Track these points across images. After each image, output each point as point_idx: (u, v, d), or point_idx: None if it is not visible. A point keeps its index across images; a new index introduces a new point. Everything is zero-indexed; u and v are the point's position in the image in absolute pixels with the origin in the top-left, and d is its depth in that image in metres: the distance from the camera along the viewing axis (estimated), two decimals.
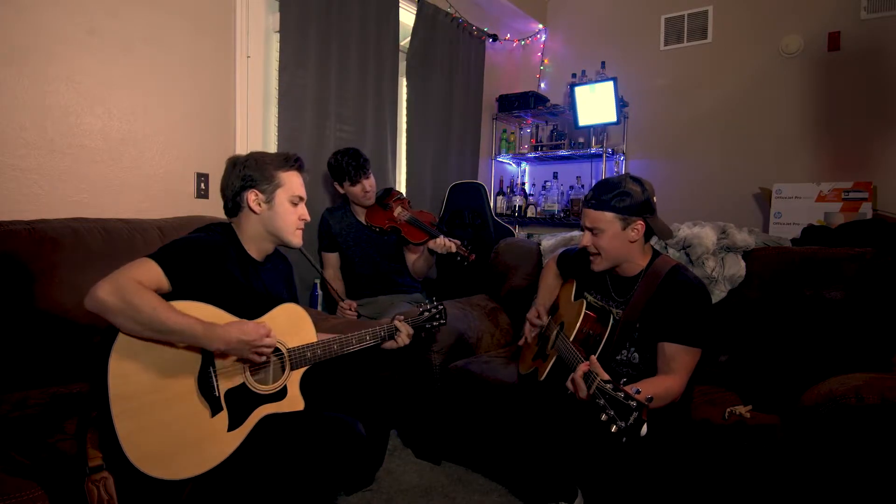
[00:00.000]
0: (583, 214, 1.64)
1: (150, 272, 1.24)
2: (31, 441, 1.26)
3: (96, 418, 1.19)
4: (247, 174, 1.44)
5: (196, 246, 1.35)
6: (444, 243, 2.26)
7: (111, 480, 1.15)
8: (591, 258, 1.64)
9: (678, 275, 1.57)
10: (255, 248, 1.49)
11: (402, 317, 1.69)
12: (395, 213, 2.44)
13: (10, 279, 1.54)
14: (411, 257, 2.53)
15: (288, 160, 1.48)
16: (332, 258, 2.57)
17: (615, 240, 1.58)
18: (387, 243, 2.51)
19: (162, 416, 1.22)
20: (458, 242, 2.27)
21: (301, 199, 1.49)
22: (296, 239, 1.49)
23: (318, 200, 2.68)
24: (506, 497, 1.92)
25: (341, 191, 2.48)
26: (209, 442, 1.27)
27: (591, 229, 1.60)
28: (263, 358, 1.34)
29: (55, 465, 1.20)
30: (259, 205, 1.44)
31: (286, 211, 1.46)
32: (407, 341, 1.67)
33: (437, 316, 1.79)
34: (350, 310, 2.41)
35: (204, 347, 1.27)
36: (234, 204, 1.46)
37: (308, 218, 1.52)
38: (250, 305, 1.39)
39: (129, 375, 1.20)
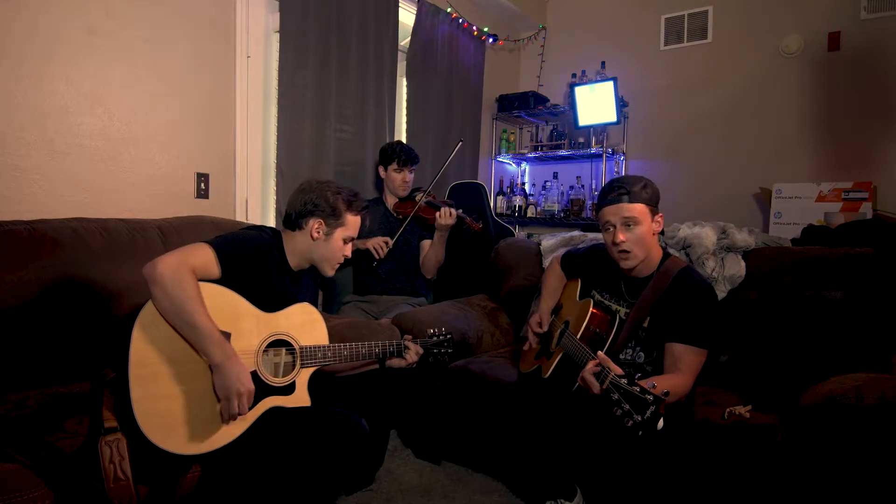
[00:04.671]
0: (611, 210, 1.59)
1: (207, 259, 1.34)
2: (32, 440, 1.26)
3: (112, 380, 1.25)
4: (320, 203, 1.52)
5: (251, 243, 1.45)
6: (448, 211, 2.38)
7: (124, 442, 1.19)
8: (623, 255, 1.59)
9: (688, 276, 1.58)
10: (295, 261, 1.57)
11: (410, 337, 1.71)
12: (416, 199, 2.56)
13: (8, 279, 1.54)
14: (424, 251, 2.59)
15: (358, 206, 1.58)
16: None
17: (648, 232, 1.58)
18: (408, 240, 2.58)
19: (175, 389, 1.28)
20: (463, 213, 2.41)
21: (353, 238, 1.60)
22: (332, 272, 1.59)
23: None
24: (506, 497, 1.91)
25: (383, 174, 2.64)
26: (215, 423, 1.31)
27: (626, 221, 1.56)
28: (228, 409, 1.29)
29: (56, 463, 1.19)
30: (319, 233, 1.53)
31: (338, 247, 1.56)
32: (415, 360, 1.68)
33: (445, 343, 1.78)
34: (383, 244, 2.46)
35: (205, 354, 1.29)
36: (295, 222, 1.54)
37: (349, 255, 1.62)
38: (272, 302, 1.46)
39: (150, 343, 1.27)
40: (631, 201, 1.57)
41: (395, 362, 1.67)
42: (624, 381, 1.21)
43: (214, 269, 1.36)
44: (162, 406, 1.25)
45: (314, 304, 1.65)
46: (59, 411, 1.40)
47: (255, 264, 1.44)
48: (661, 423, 1.13)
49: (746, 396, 1.71)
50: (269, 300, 1.46)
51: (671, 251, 2.13)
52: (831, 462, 1.32)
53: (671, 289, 1.56)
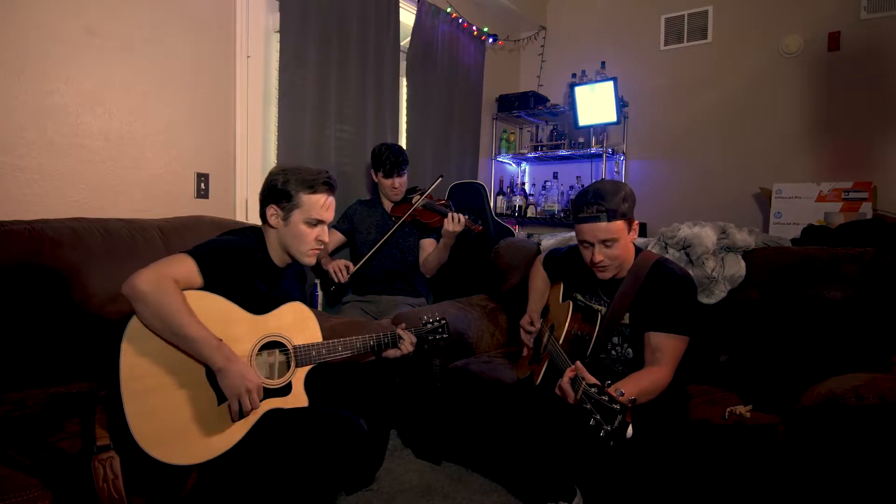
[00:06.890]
0: (589, 230, 1.53)
1: (187, 269, 1.31)
2: (32, 440, 1.26)
3: (105, 397, 1.23)
4: (273, 188, 1.48)
5: (231, 249, 1.42)
6: (455, 217, 2.36)
7: (118, 460, 1.18)
8: (600, 269, 1.58)
9: (662, 267, 1.58)
10: (277, 256, 1.53)
11: (404, 325, 1.71)
12: (413, 202, 2.54)
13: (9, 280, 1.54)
14: (425, 251, 2.58)
15: (315, 182, 1.47)
16: (335, 238, 2.60)
17: (626, 244, 1.57)
18: (408, 241, 2.58)
19: (170, 400, 1.26)
20: (465, 216, 2.41)
21: (319, 221, 1.49)
22: (308, 259, 1.52)
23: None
24: (506, 497, 1.91)
25: (375, 179, 2.59)
26: (215, 430, 1.30)
27: (604, 241, 1.53)
28: (238, 409, 1.30)
29: (56, 463, 1.20)
30: (276, 220, 1.48)
31: (301, 232, 1.48)
32: (410, 349, 1.69)
33: (440, 329, 1.79)
34: (343, 269, 2.43)
35: (206, 361, 1.28)
36: (261, 215, 1.52)
37: (326, 240, 1.53)
38: (261, 303, 1.44)
39: (140, 357, 1.24)
40: (610, 220, 1.50)
41: (391, 353, 1.67)
42: (594, 390, 1.20)
43: (196, 279, 1.32)
44: (158, 419, 1.23)
45: (304, 300, 1.64)
46: (59, 411, 1.40)
47: (237, 269, 1.41)
48: (630, 432, 1.12)
49: (746, 396, 1.71)
50: (258, 302, 1.44)
51: (671, 251, 2.14)
52: (831, 462, 1.32)
53: (647, 282, 1.57)
